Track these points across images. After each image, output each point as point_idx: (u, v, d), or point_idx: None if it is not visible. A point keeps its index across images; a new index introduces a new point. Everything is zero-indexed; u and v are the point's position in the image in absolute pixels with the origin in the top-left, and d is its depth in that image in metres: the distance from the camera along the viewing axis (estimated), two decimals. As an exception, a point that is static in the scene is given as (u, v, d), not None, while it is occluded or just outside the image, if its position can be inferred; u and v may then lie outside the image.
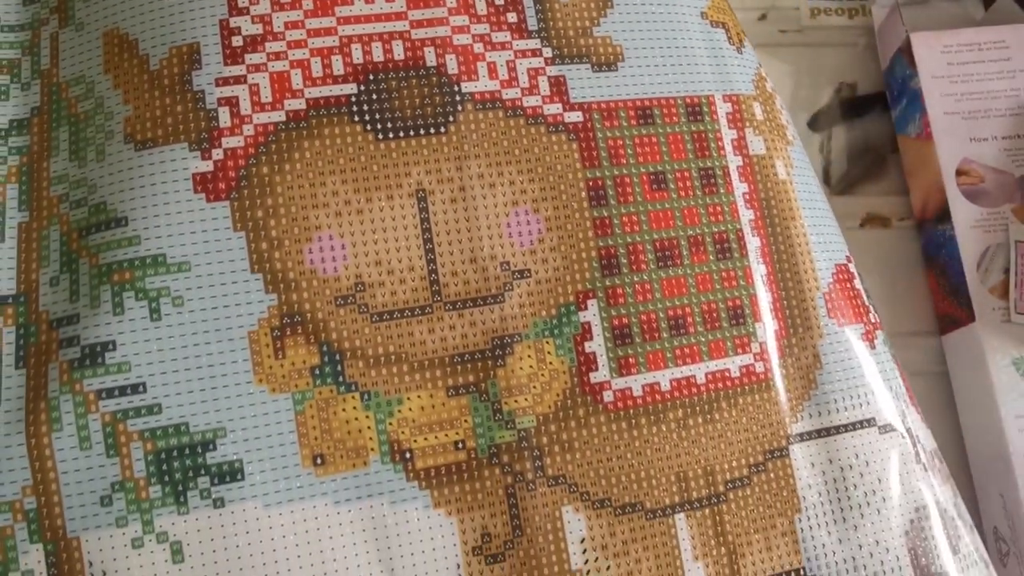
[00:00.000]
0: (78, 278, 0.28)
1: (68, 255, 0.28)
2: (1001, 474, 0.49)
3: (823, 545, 0.32)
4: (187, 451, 0.27)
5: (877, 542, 0.33)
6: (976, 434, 0.52)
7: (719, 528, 0.31)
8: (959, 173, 0.53)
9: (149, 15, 0.30)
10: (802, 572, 0.32)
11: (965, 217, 0.52)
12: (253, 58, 0.30)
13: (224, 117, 0.29)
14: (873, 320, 0.36)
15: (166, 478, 0.27)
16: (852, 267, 0.36)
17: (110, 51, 0.30)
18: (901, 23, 0.56)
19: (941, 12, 0.60)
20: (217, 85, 0.29)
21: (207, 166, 0.29)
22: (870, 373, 0.34)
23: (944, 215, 0.53)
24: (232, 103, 0.29)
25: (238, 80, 0.29)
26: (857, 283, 0.36)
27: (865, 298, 0.36)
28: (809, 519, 0.32)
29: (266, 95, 0.30)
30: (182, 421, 0.28)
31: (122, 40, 0.30)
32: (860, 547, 0.33)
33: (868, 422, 0.34)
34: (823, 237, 0.35)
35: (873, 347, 0.35)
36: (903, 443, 0.34)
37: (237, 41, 0.30)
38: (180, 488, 0.27)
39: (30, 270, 0.28)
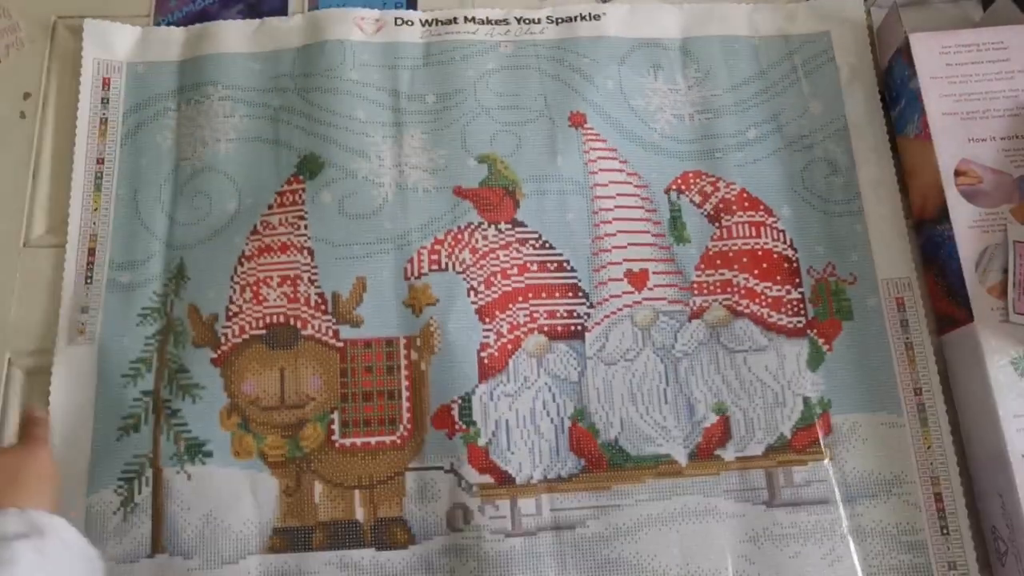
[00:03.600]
0: None
1: None
2: (1000, 474, 0.49)
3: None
4: None
5: None
6: (975, 434, 0.52)
7: None
8: (958, 173, 0.53)
9: None
10: None
11: (964, 217, 0.53)
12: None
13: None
14: None
15: None
16: None
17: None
18: (900, 24, 0.57)
19: (940, 13, 0.61)
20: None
21: None
22: None
23: (943, 215, 0.53)
24: None
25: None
26: None
27: None
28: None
29: None
30: None
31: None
32: None
33: None
34: None
35: None
36: None
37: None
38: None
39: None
